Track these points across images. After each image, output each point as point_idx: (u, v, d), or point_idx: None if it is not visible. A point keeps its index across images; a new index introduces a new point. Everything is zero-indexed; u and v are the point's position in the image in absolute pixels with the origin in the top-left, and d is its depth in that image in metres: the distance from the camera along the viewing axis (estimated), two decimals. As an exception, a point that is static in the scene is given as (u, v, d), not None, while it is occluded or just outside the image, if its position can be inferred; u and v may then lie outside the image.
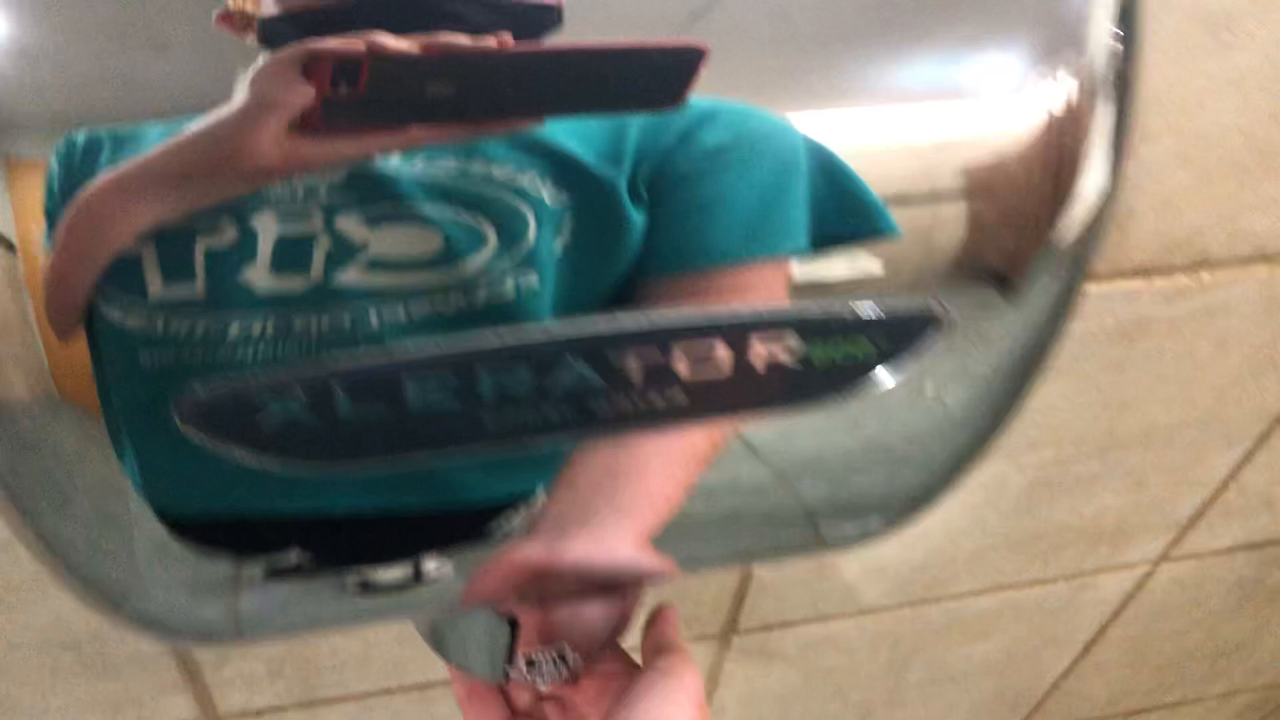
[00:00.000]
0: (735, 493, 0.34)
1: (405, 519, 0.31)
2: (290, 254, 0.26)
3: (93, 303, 0.26)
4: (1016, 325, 0.32)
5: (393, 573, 0.33)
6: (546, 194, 0.27)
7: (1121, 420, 0.74)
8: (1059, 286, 0.32)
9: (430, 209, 0.26)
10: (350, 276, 0.27)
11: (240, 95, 0.25)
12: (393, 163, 0.26)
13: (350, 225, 0.26)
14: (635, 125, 0.27)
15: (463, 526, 0.32)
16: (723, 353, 0.29)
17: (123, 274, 0.25)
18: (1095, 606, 0.98)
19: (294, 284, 0.26)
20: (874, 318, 0.29)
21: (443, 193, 0.26)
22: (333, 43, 0.25)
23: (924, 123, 0.29)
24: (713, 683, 0.91)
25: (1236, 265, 0.63)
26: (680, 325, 0.28)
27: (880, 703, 1.04)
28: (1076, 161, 0.30)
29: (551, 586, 0.37)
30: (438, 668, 0.79)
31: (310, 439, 0.28)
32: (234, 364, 0.27)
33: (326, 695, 0.78)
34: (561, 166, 0.27)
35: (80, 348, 0.26)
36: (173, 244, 0.25)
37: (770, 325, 0.28)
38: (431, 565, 0.33)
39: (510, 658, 0.45)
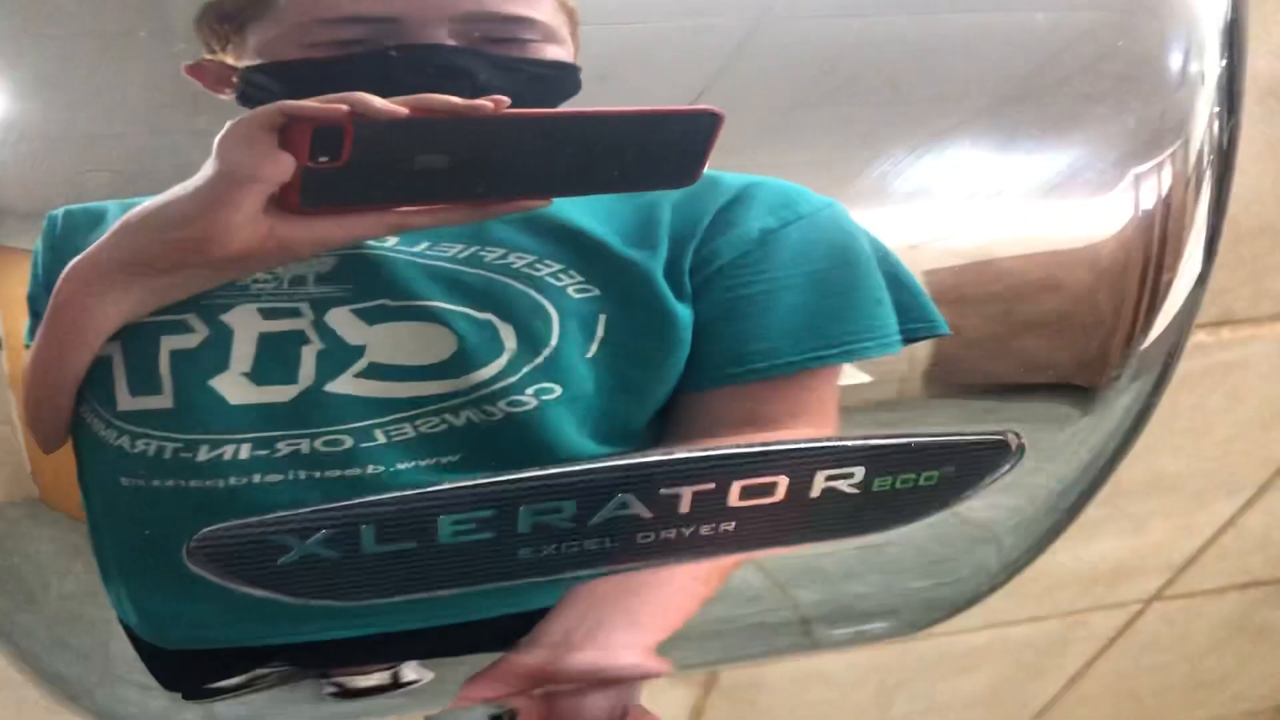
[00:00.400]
0: (728, 600, 0.31)
1: (392, 636, 0.28)
2: (273, 357, 0.22)
3: (78, 410, 0.23)
4: (1093, 436, 0.30)
5: (370, 679, 0.31)
6: (571, 286, 0.23)
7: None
8: (1144, 387, 0.29)
9: (439, 304, 0.22)
10: (345, 385, 0.23)
11: (208, 166, 0.21)
12: (390, 246, 0.22)
13: (343, 322, 0.22)
14: (667, 204, 0.23)
15: (449, 641, 0.30)
16: (782, 486, 0.26)
17: (95, 379, 0.22)
18: (1085, 642, 0.97)
19: (277, 395, 0.22)
20: (947, 448, 0.27)
21: (452, 284, 0.22)
22: (309, 103, 0.21)
23: (1000, 221, 0.26)
24: (698, 716, 0.89)
25: (1257, 323, 0.62)
26: (741, 461, 0.26)
27: (864, 733, 1.03)
28: (1179, 253, 0.27)
29: (549, 688, 0.35)
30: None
31: (333, 576, 0.25)
32: (212, 495, 0.23)
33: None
34: (587, 252, 0.23)
35: (68, 455, 0.24)
36: (139, 345, 0.22)
37: (839, 461, 0.26)
38: (410, 673, 0.31)
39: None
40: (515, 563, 0.26)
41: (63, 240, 0.21)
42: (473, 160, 0.22)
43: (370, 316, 0.22)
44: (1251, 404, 0.69)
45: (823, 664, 0.88)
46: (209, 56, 0.21)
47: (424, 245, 0.22)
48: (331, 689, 0.30)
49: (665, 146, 0.23)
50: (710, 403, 0.25)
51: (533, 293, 0.23)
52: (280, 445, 0.23)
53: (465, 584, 0.27)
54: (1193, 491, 0.78)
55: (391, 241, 0.22)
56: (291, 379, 0.22)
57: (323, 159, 0.21)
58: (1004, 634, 0.91)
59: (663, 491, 0.26)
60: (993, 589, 0.37)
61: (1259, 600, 0.98)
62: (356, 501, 0.24)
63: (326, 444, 0.23)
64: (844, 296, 0.25)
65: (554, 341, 0.23)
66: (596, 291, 0.23)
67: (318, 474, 0.23)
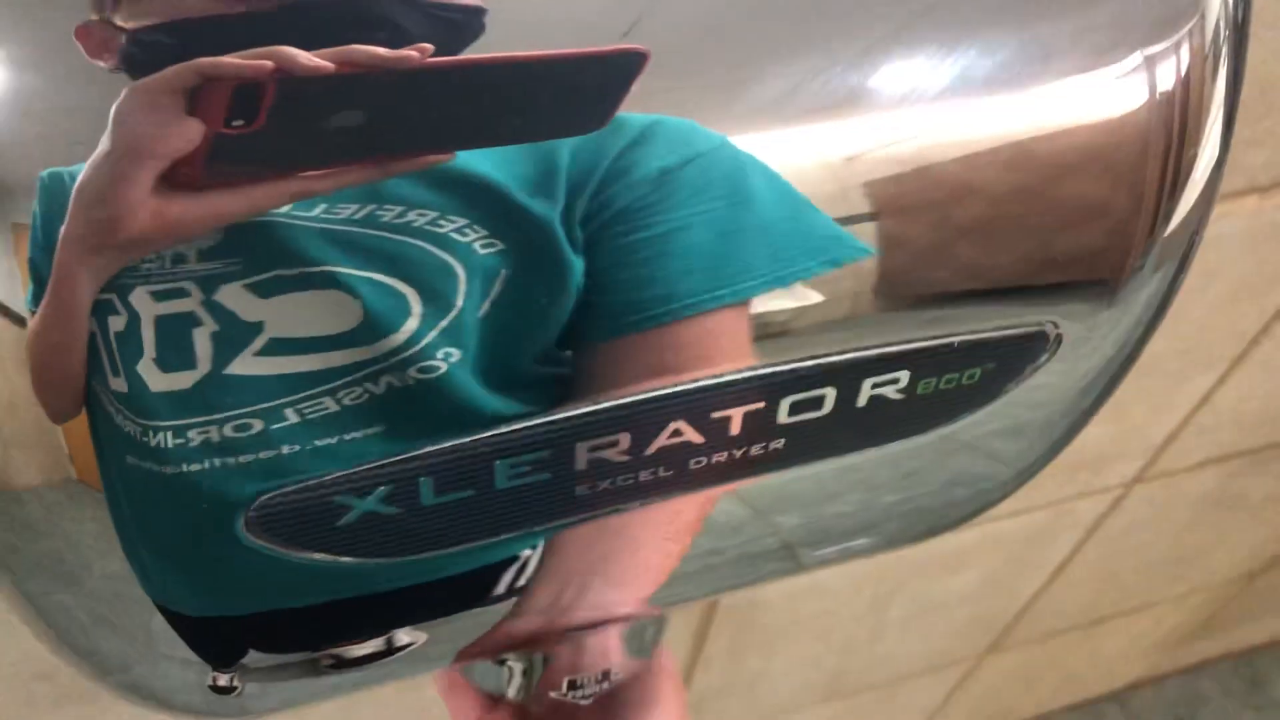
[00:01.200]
0: (711, 534, 0.31)
1: (386, 595, 0.28)
2: (169, 342, 0.21)
3: (90, 383, 0.22)
4: (1116, 330, 0.30)
5: (365, 647, 0.30)
6: (478, 241, 0.21)
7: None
8: (1167, 276, 0.29)
9: (339, 269, 0.21)
10: (245, 365, 0.21)
11: (104, 139, 0.19)
12: (282, 213, 0.20)
13: (235, 299, 0.20)
14: (565, 150, 0.22)
15: (444, 599, 0.29)
16: (829, 398, 0.26)
17: (92, 353, 0.21)
18: (1070, 530, 0.99)
19: (179, 381, 0.21)
20: (988, 345, 0.27)
21: (351, 247, 0.21)
22: (231, 59, 0.18)
23: (1017, 111, 0.26)
24: (700, 639, 0.90)
25: (1230, 199, 0.62)
26: (791, 377, 0.25)
27: (862, 640, 1.05)
28: (1199, 134, 0.27)
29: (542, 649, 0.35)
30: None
31: (393, 533, 0.25)
32: (167, 481, 0.22)
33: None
34: (491, 205, 0.21)
35: None
36: (101, 324, 0.21)
37: (885, 367, 0.26)
38: (404, 637, 0.30)
39: (550, 684, 0.43)
40: (572, 500, 0.26)
41: (56, 202, 0.20)
42: (389, 116, 0.20)
43: (264, 290, 0.21)
44: (1224, 280, 0.70)
45: (818, 577, 0.89)
46: (96, 16, 0.19)
47: (319, 209, 0.20)
48: (329, 661, 0.30)
49: (584, 90, 0.21)
50: (613, 353, 0.24)
51: (437, 251, 0.21)
52: (192, 434, 0.22)
53: (524, 527, 0.26)
54: (1169, 371, 0.79)
55: (284, 208, 0.20)
56: (189, 364, 0.21)
57: (237, 123, 0.19)
58: (992, 530, 0.93)
59: (714, 415, 0.25)
60: (1005, 495, 0.38)
61: (1234, 472, 1.01)
62: (413, 454, 0.23)
63: (236, 429, 0.22)
64: (744, 234, 0.23)
65: (460, 301, 0.22)
66: (502, 246, 0.22)
67: (232, 460, 0.22)
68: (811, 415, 0.26)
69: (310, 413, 0.22)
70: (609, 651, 0.43)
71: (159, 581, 0.25)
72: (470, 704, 0.47)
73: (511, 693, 0.44)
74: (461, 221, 0.21)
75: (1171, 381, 0.81)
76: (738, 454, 0.27)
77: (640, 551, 0.30)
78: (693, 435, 0.26)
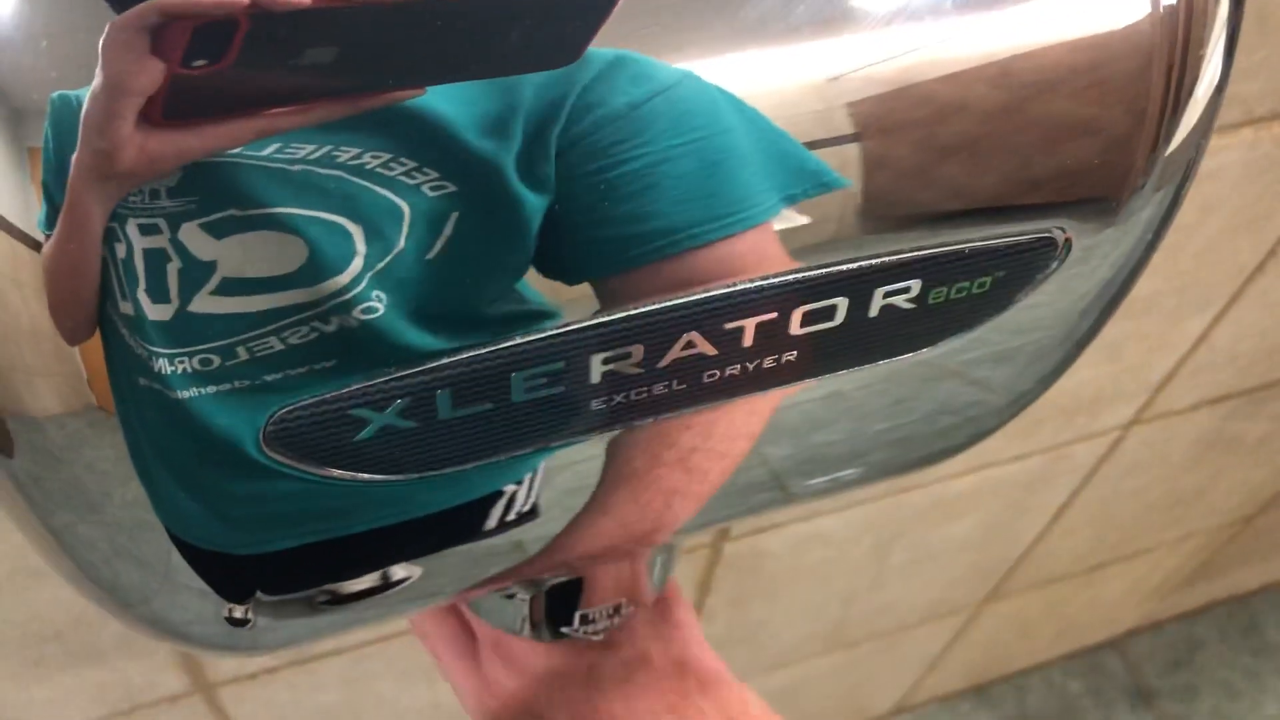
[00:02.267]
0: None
1: (381, 532, 0.28)
2: (153, 275, 0.21)
3: (102, 305, 0.22)
4: (1115, 250, 0.30)
5: (361, 583, 0.30)
6: (427, 184, 0.21)
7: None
8: (1166, 197, 0.29)
9: (288, 209, 0.21)
10: (203, 304, 0.21)
11: (96, 72, 0.19)
12: (237, 152, 0.20)
13: (193, 238, 0.20)
14: (529, 87, 0.21)
15: (433, 533, 0.30)
16: (841, 308, 0.26)
17: (104, 272, 0.21)
18: (1068, 475, 1.00)
19: (161, 313, 0.21)
20: (999, 251, 0.27)
21: (302, 187, 0.20)
22: None
23: (1018, 22, 0.25)
24: (704, 589, 0.91)
25: (1226, 131, 0.62)
26: (803, 286, 0.25)
27: (863, 588, 1.05)
28: (1202, 51, 0.27)
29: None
30: (433, 610, 0.77)
31: (410, 448, 0.25)
32: (171, 405, 0.23)
33: (320, 650, 0.76)
34: (444, 147, 0.21)
35: None
36: (110, 248, 0.21)
37: (897, 275, 0.26)
38: (400, 571, 0.31)
39: (566, 620, 0.43)
40: (587, 414, 0.26)
41: (66, 125, 0.20)
42: (362, 51, 0.20)
43: (218, 230, 0.20)
44: (1222, 214, 0.70)
45: (821, 525, 0.89)
46: None
47: (273, 148, 0.20)
48: (323, 597, 0.30)
49: (557, 22, 0.21)
50: (617, 287, 0.24)
51: (387, 193, 0.21)
52: (178, 362, 0.22)
53: (538, 442, 0.26)
54: (1166, 310, 0.79)
55: (240, 147, 0.20)
56: (166, 298, 0.21)
57: (199, 62, 0.18)
58: (992, 475, 0.93)
59: (726, 325, 0.25)
60: (999, 424, 0.38)
61: (1230, 413, 1.01)
62: (430, 366, 0.23)
63: (201, 362, 0.22)
64: (734, 161, 0.23)
65: (400, 244, 0.22)
66: (452, 188, 0.22)
67: (210, 389, 0.23)
68: (823, 326, 0.26)
69: (260, 350, 0.22)
70: (621, 584, 0.43)
71: (171, 509, 0.26)
72: (458, 643, 0.48)
73: (521, 627, 0.45)
74: (412, 164, 0.21)
75: (1168, 321, 0.81)
76: (750, 367, 0.27)
77: (665, 475, 0.30)
78: (705, 347, 0.26)
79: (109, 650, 0.66)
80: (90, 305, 0.21)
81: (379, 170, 0.21)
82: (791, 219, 0.24)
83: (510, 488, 0.28)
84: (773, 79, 0.23)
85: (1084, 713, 1.56)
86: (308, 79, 0.20)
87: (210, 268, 0.21)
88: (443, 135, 0.21)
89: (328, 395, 0.23)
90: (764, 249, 0.25)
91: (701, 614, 0.95)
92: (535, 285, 0.23)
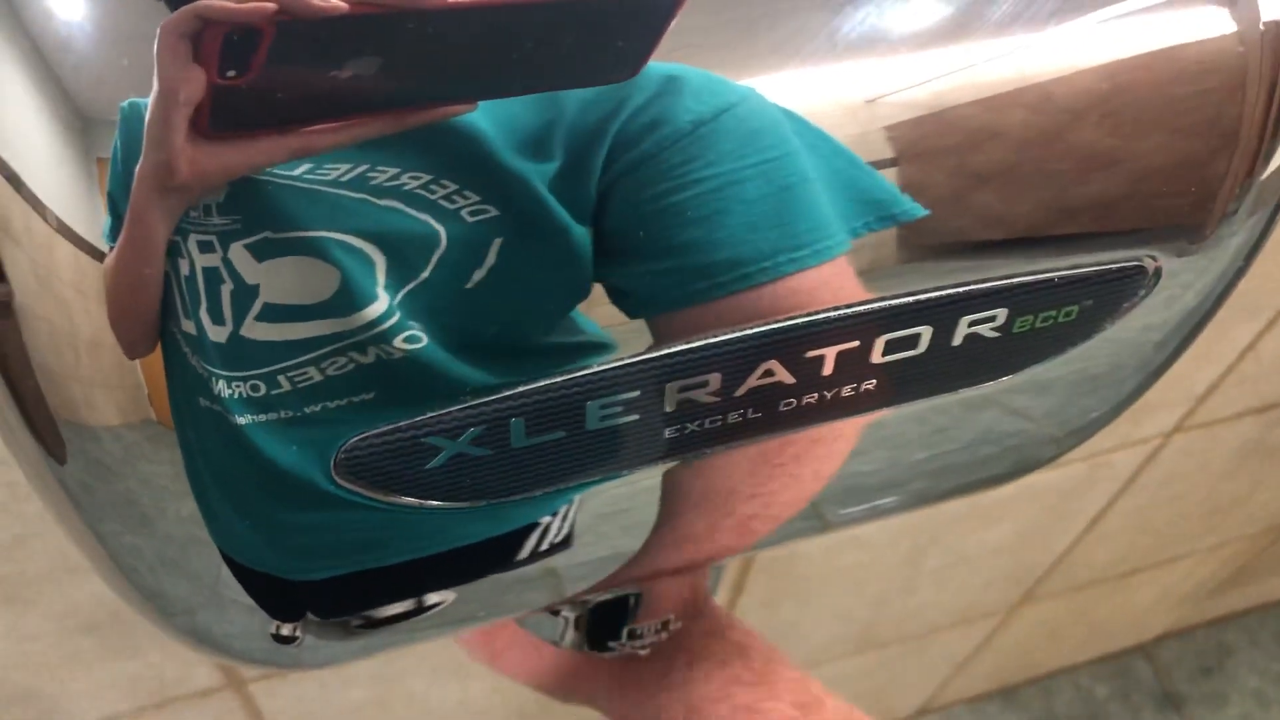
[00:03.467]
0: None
1: (419, 562, 0.28)
2: (210, 295, 0.20)
3: (164, 322, 0.21)
4: (1201, 279, 0.29)
5: (396, 607, 0.30)
6: (466, 208, 0.20)
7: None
8: (1260, 223, 0.28)
9: (318, 233, 0.20)
10: (250, 329, 0.20)
11: (154, 79, 0.18)
12: (272, 170, 0.19)
13: (241, 259, 0.20)
14: (573, 104, 0.20)
15: (480, 561, 0.29)
16: (925, 337, 0.25)
17: (166, 288, 0.20)
18: (1107, 483, 0.98)
19: (219, 335, 0.21)
20: (1087, 280, 0.26)
21: (334, 210, 0.19)
22: (224, 4, 0.17)
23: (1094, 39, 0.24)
24: (738, 590, 0.90)
25: None
26: (885, 315, 0.24)
27: (895, 591, 1.04)
28: None
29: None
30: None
31: (481, 475, 0.24)
32: (229, 427, 0.22)
33: (353, 650, 0.76)
34: (485, 168, 0.20)
35: None
36: (172, 264, 0.20)
37: (983, 304, 0.25)
38: (433, 596, 0.30)
39: (614, 634, 0.43)
40: (660, 443, 0.25)
41: (134, 134, 0.19)
42: (407, 62, 0.19)
43: (259, 252, 0.20)
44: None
45: (857, 530, 0.88)
46: None
47: (304, 167, 0.19)
48: (358, 621, 0.30)
49: (614, 32, 0.20)
50: (686, 322, 0.23)
51: (426, 218, 0.20)
52: (235, 386, 0.21)
53: (611, 469, 0.26)
54: (1214, 321, 0.78)
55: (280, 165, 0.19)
56: (221, 320, 0.20)
57: (231, 73, 0.18)
58: (1030, 482, 0.92)
59: (807, 354, 0.25)
60: (1062, 451, 0.37)
61: (1274, 422, 1.00)
62: (505, 395, 0.23)
63: (252, 388, 0.21)
64: (805, 187, 0.22)
65: (426, 273, 0.20)
66: (494, 212, 0.20)
67: (266, 417, 0.22)
68: (906, 354, 0.26)
69: (300, 381, 0.21)
70: (669, 601, 0.42)
71: (225, 531, 0.25)
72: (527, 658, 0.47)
73: (566, 642, 0.44)
74: (452, 186, 0.20)
75: (1215, 329, 0.79)
76: (829, 395, 0.26)
77: (738, 500, 0.29)
78: (784, 375, 0.25)
79: (144, 644, 0.66)
80: (151, 320, 0.21)
81: (418, 192, 0.20)
82: (871, 247, 0.24)
83: (546, 519, 0.28)
84: (838, 96, 0.22)
85: (1112, 717, 1.55)
86: (351, 92, 0.19)
87: (254, 292, 0.20)
88: (483, 155, 0.20)
89: (401, 424, 0.22)
90: (838, 282, 0.23)
91: (734, 613, 0.94)
92: (590, 314, 0.23)
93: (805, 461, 0.28)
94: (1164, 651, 1.60)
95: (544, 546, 0.28)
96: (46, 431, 0.23)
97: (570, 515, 0.28)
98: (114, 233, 0.20)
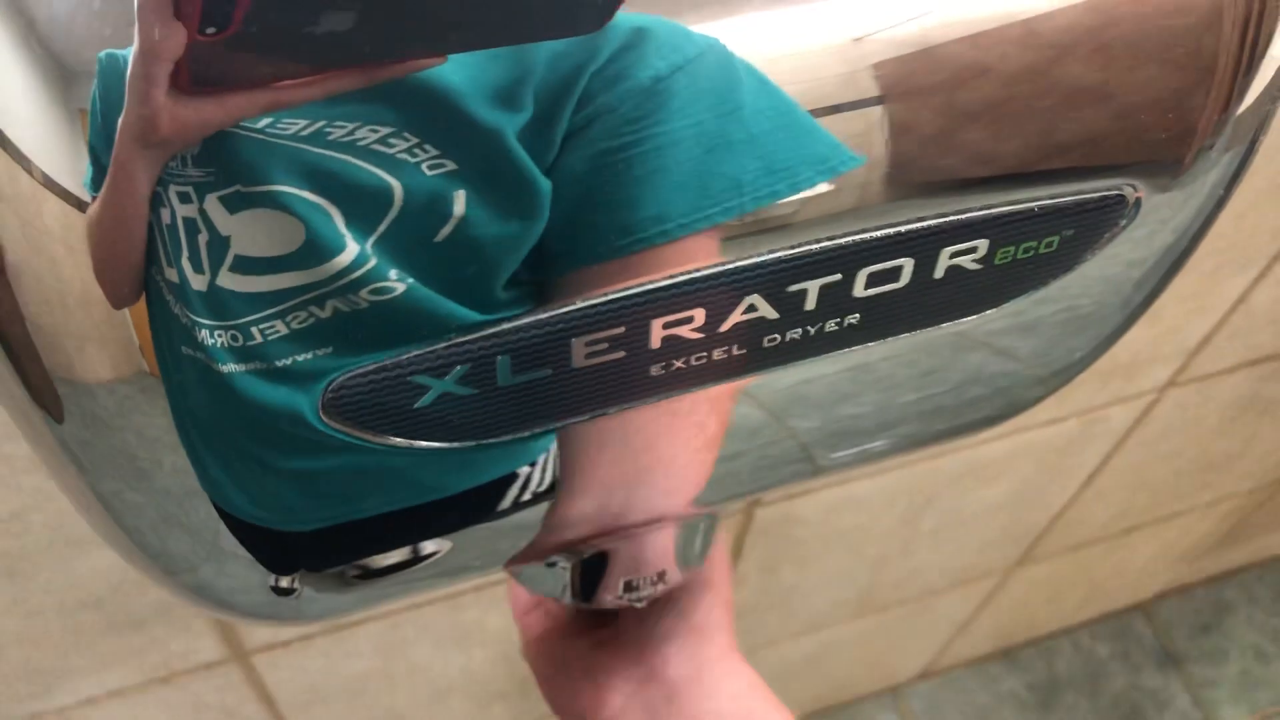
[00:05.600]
0: (729, 439, 0.31)
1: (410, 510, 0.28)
2: (191, 244, 0.20)
3: (148, 270, 0.21)
4: (1179, 214, 0.29)
5: (391, 557, 0.30)
6: (426, 162, 0.20)
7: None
8: (1235, 159, 0.28)
9: (282, 187, 0.20)
10: (225, 279, 0.21)
11: (135, 34, 0.18)
12: (243, 125, 0.19)
13: (215, 210, 0.20)
14: (542, 56, 0.20)
15: (464, 511, 0.29)
16: (907, 269, 0.25)
17: (150, 237, 0.21)
18: (1102, 439, 0.99)
19: (199, 283, 0.21)
20: (1067, 209, 0.26)
21: (292, 165, 0.20)
22: None
23: None
24: (736, 554, 0.91)
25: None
26: (866, 248, 0.24)
27: (894, 553, 1.05)
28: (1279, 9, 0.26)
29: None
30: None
31: (469, 415, 0.24)
32: (213, 377, 0.22)
33: (354, 618, 0.76)
34: (448, 121, 0.20)
35: None
36: (155, 213, 0.20)
37: (964, 235, 0.25)
38: (430, 546, 0.30)
39: (606, 585, 0.43)
40: (646, 380, 0.26)
41: (114, 85, 0.19)
42: (381, 16, 0.19)
43: (230, 204, 0.20)
44: (1264, 175, 0.69)
45: (853, 490, 0.89)
46: None
47: (266, 121, 0.19)
48: (354, 572, 0.30)
49: None
50: (602, 276, 0.23)
51: (378, 171, 0.20)
52: (217, 335, 0.22)
53: (597, 408, 0.26)
54: (1205, 271, 0.78)
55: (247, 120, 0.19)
56: (200, 269, 0.21)
57: (210, 29, 0.18)
58: (1025, 439, 0.93)
59: (790, 288, 0.25)
60: (1048, 392, 0.37)
61: (1267, 375, 1.00)
62: (490, 332, 0.23)
63: (232, 338, 0.22)
64: (733, 148, 0.22)
65: (384, 227, 0.21)
66: (452, 166, 0.20)
67: (247, 366, 0.22)
68: (888, 288, 0.26)
69: (269, 333, 0.22)
70: (664, 552, 0.43)
71: (214, 482, 0.25)
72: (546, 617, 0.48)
73: (564, 594, 0.44)
74: (412, 140, 0.20)
75: (1207, 282, 0.80)
76: (813, 330, 0.26)
77: (682, 446, 0.29)
78: (767, 310, 0.25)
79: (147, 618, 0.67)
80: (135, 269, 0.21)
81: (373, 147, 0.20)
82: (858, 185, 0.24)
83: (525, 469, 0.28)
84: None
85: (1112, 676, 1.56)
86: (325, 48, 0.19)
87: (227, 243, 0.20)
88: (448, 107, 0.20)
89: (388, 361, 0.23)
90: (758, 239, 0.24)
91: (733, 579, 0.95)
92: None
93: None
94: (1163, 610, 1.61)
95: (526, 496, 0.29)
96: (43, 390, 0.23)
97: (551, 463, 0.28)
98: (95, 182, 0.20)
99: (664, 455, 0.30)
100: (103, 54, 0.19)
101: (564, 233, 0.22)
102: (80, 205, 0.20)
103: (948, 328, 0.28)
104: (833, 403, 0.31)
